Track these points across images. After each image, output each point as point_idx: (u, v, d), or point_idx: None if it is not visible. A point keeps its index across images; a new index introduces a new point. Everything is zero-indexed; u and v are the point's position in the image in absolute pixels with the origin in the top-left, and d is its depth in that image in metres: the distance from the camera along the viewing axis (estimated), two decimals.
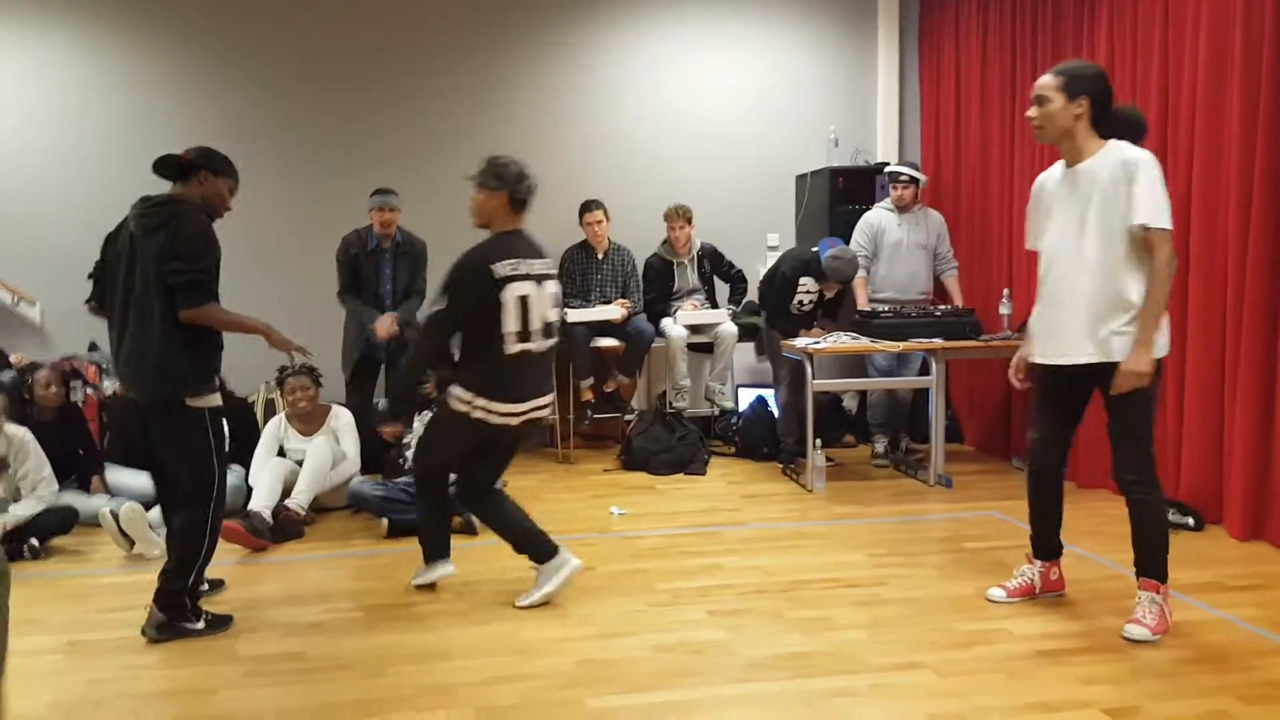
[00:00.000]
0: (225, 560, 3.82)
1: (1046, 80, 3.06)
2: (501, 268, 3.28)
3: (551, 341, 3.42)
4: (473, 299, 3.26)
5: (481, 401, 3.29)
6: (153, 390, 3.09)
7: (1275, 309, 3.95)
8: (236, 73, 6.01)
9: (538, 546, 3.43)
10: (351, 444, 4.76)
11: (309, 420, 4.70)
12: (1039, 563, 3.40)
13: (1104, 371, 3.02)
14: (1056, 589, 3.41)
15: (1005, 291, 5.36)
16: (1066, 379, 3.16)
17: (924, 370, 5.27)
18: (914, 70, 6.77)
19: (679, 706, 2.62)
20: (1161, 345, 3.00)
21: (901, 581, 3.62)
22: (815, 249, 5.44)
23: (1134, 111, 3.14)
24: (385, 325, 5.10)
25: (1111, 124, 3.04)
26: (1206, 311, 4.24)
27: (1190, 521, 4.18)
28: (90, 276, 3.41)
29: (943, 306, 5.49)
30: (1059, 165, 3.15)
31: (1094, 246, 3.01)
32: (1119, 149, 2.98)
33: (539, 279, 3.37)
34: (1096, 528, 4.26)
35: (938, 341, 5.07)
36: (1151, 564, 3.08)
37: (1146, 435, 3.05)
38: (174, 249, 3.01)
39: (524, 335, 3.30)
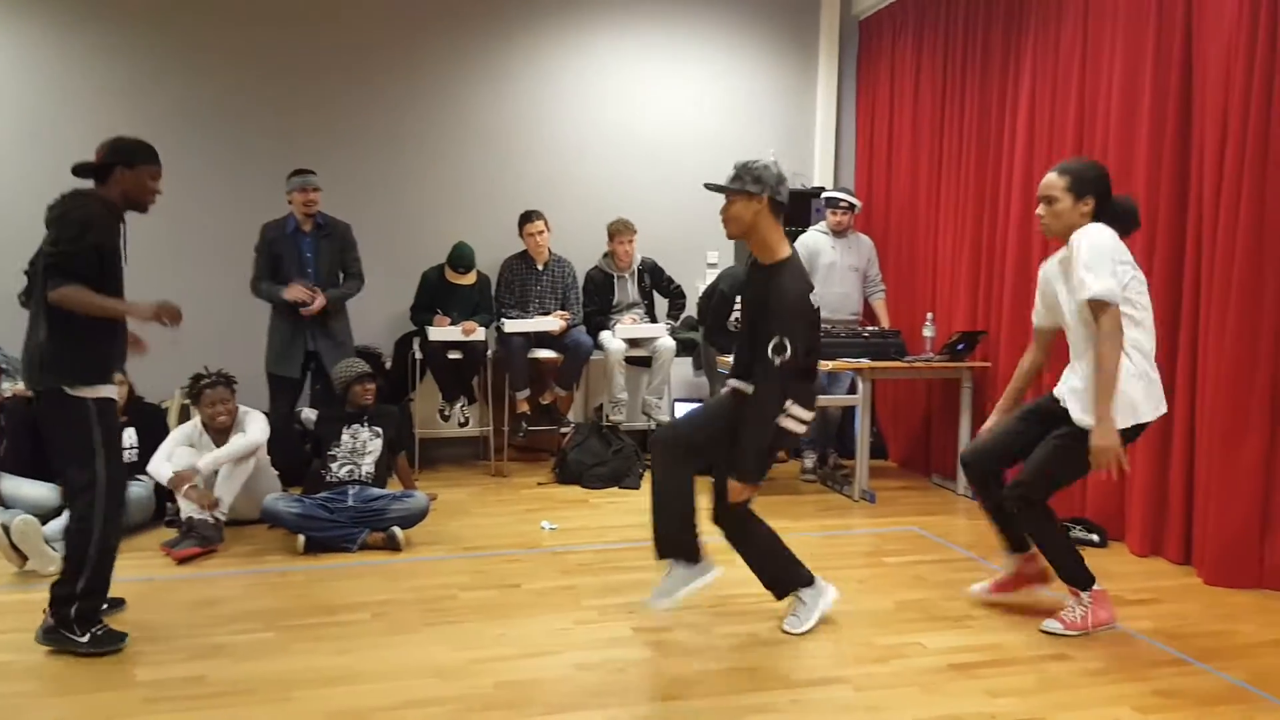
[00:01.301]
0: (128, 576, 3.69)
1: (1053, 180, 3.16)
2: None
3: None
4: (808, 327, 3.12)
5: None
6: (36, 379, 3.02)
7: (1174, 332, 4.10)
8: (169, 63, 5.83)
9: (794, 569, 3.35)
10: (257, 429, 4.50)
11: (225, 433, 4.55)
12: (1014, 556, 3.51)
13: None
14: (1038, 581, 3.49)
15: (929, 315, 5.53)
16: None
17: (852, 389, 5.34)
18: (851, 99, 6.93)
19: None
20: (1127, 413, 3.06)
21: None
22: None
23: (1128, 201, 3.21)
24: (296, 291, 4.99)
25: (1110, 214, 3.14)
26: None
27: (1095, 538, 4.35)
28: (25, 272, 3.37)
29: (870, 328, 5.61)
30: (1059, 253, 3.23)
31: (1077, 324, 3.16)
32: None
33: None
34: None
35: (865, 361, 5.17)
36: (1062, 573, 3.29)
37: (1056, 480, 3.24)
38: (50, 234, 2.97)
39: None
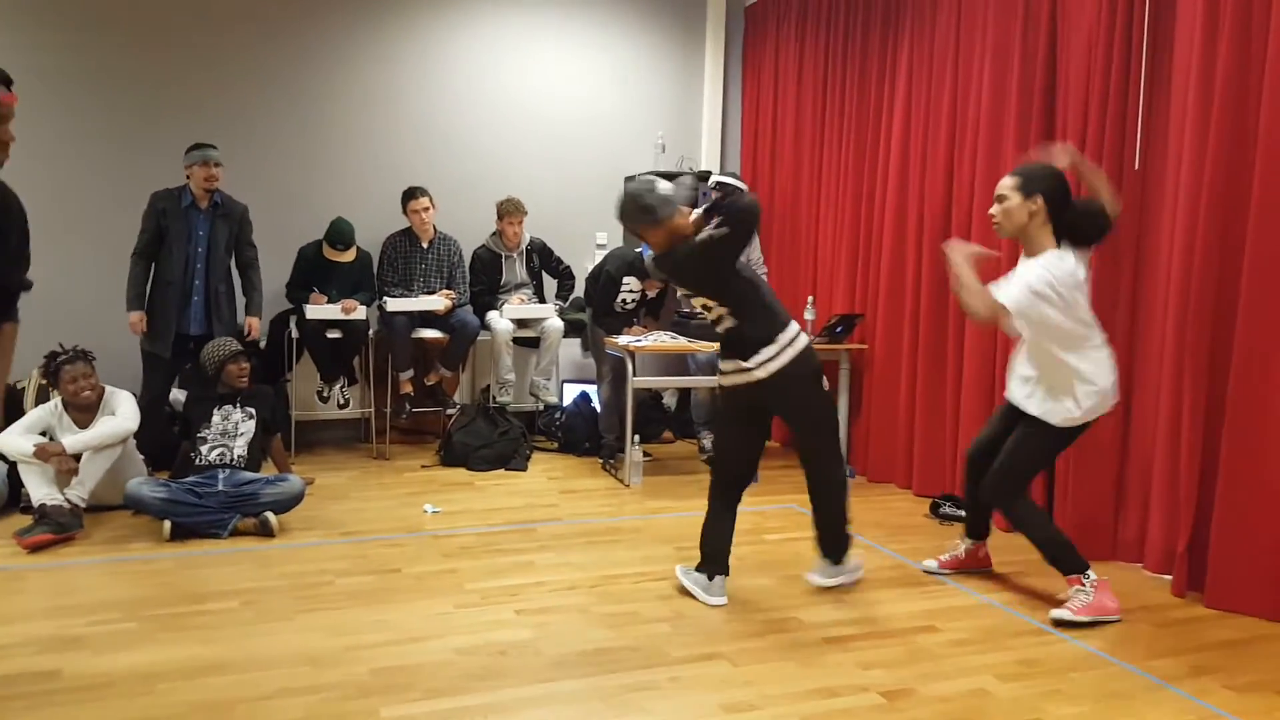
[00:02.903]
0: None
1: (1005, 181, 3.27)
2: None
3: None
4: None
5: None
6: None
7: None
8: (40, 30, 5.45)
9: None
10: (127, 414, 4.30)
11: (88, 410, 4.32)
12: (969, 540, 3.77)
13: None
14: (984, 565, 3.80)
15: (810, 299, 5.67)
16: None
17: None
18: (738, 86, 7.03)
19: (478, 711, 2.57)
20: (1072, 409, 3.26)
21: None
22: (639, 249, 5.49)
23: (1090, 205, 3.24)
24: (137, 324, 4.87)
25: (1072, 216, 3.21)
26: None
27: (963, 514, 4.47)
28: None
29: None
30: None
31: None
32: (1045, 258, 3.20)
33: None
34: (882, 519, 4.55)
35: None
36: (1060, 565, 3.34)
37: (1023, 472, 3.41)
38: None
39: None
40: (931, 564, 3.80)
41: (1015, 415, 3.43)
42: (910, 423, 5.15)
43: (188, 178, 4.93)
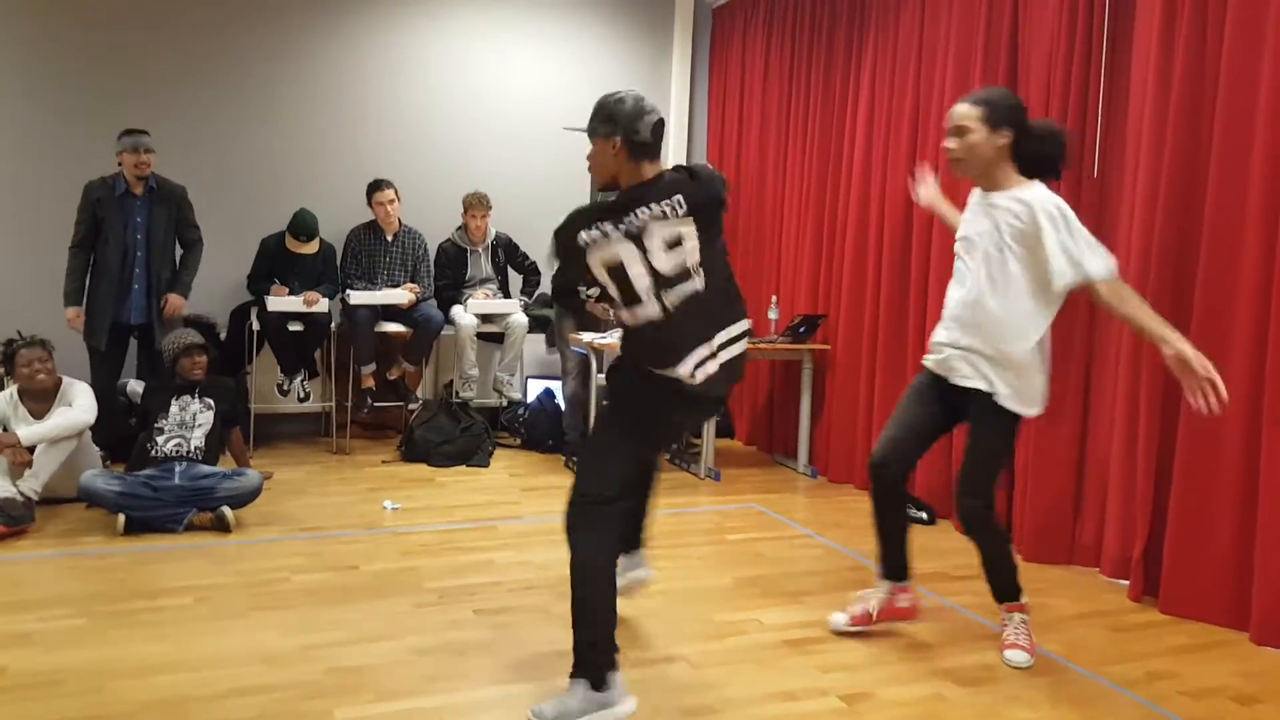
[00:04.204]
0: None
1: (965, 110, 2.80)
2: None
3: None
4: None
5: None
6: None
7: None
8: None
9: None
10: (84, 407, 4.22)
11: (44, 399, 4.23)
12: (888, 584, 3.14)
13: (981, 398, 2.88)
14: (908, 616, 3.16)
15: (773, 298, 5.70)
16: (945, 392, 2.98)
17: None
18: (704, 86, 7.04)
19: (433, 713, 2.54)
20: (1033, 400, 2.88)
21: (665, 573, 3.70)
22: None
23: (1050, 128, 2.86)
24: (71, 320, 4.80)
25: (1031, 153, 2.83)
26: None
27: (924, 516, 4.56)
28: None
29: None
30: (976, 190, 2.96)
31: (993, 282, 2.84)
32: (1033, 191, 2.79)
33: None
34: (842, 520, 4.57)
35: None
36: (1003, 588, 3.03)
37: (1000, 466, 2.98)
38: None
39: None
40: (840, 619, 3.13)
41: (945, 401, 2.96)
42: (869, 423, 5.18)
43: (119, 165, 4.82)
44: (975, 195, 2.97)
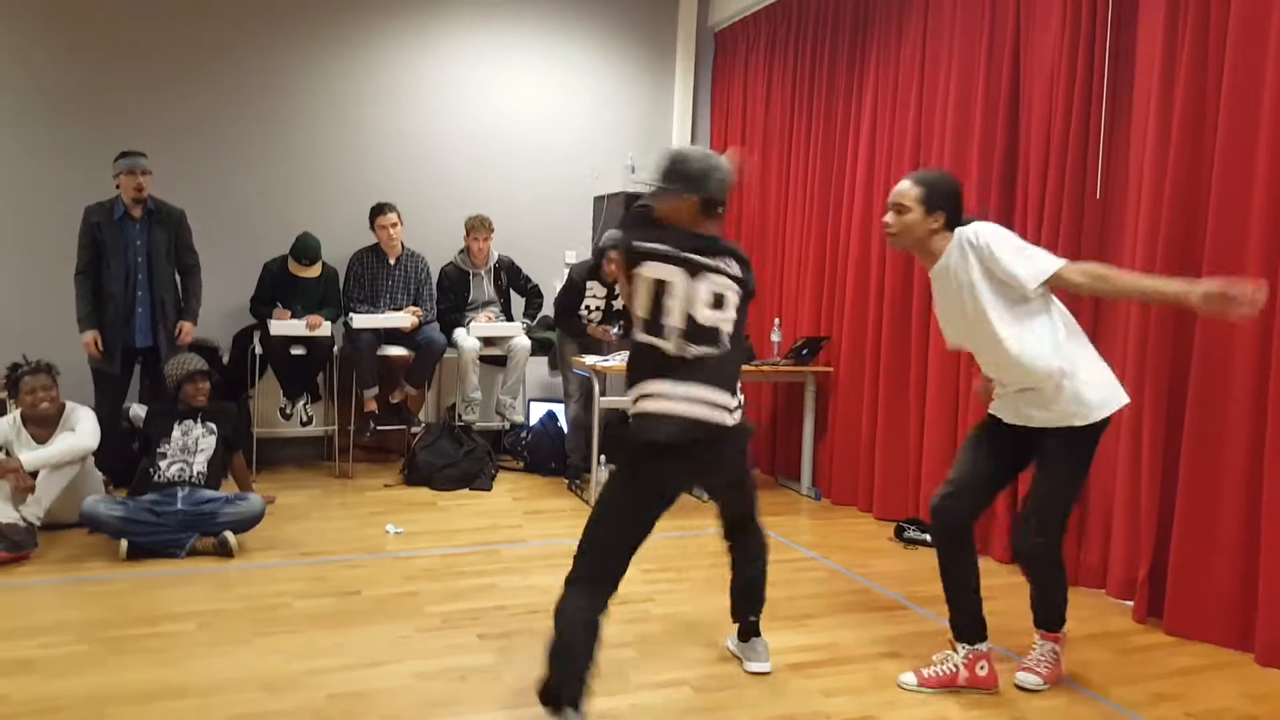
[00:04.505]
0: None
1: (906, 188, 2.92)
2: None
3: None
4: None
5: None
6: None
7: None
8: None
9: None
10: (87, 432, 4.22)
11: (47, 424, 4.24)
12: (963, 648, 2.97)
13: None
14: (988, 685, 2.95)
15: (776, 321, 5.70)
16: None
17: None
18: (706, 108, 7.07)
19: None
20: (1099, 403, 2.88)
21: (668, 597, 3.68)
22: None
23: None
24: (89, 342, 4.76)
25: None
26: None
27: (928, 538, 4.48)
28: None
29: None
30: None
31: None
32: (960, 233, 2.89)
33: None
34: (847, 543, 4.56)
35: None
36: (1052, 616, 3.03)
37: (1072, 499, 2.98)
38: None
39: None
40: (909, 679, 2.97)
41: (1010, 442, 2.98)
42: (872, 446, 5.17)
43: (117, 188, 4.83)
44: (931, 277, 3.03)
